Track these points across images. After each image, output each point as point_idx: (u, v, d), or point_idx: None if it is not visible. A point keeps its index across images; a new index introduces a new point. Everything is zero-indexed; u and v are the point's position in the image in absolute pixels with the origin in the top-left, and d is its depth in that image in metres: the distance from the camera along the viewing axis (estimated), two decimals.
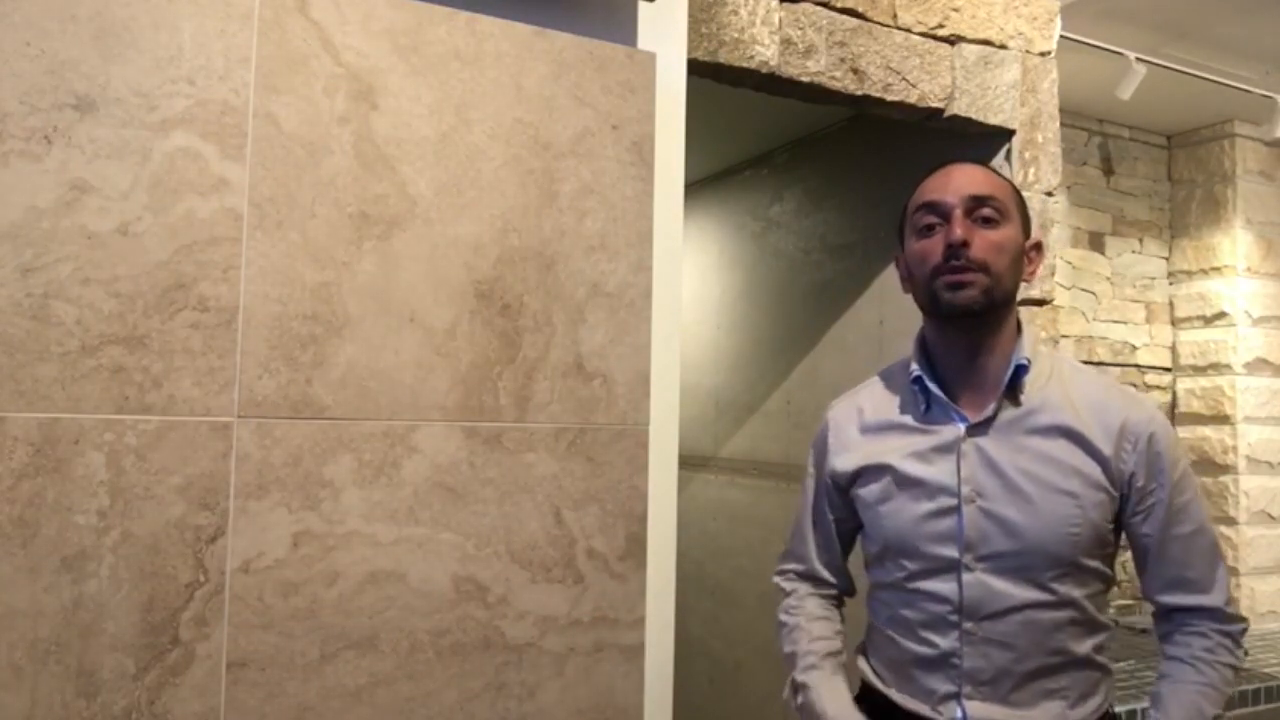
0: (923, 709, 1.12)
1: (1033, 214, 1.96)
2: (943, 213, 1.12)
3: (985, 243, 1.10)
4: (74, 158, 1.07)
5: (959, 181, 1.13)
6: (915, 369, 1.16)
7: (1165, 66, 2.58)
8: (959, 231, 1.09)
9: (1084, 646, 1.09)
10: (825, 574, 1.28)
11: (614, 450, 1.36)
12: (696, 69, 1.63)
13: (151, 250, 1.11)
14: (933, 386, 1.15)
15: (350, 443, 1.19)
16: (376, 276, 1.22)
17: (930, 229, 1.13)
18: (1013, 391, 1.12)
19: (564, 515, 1.32)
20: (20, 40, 1.06)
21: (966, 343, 1.14)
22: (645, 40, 1.46)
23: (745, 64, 1.68)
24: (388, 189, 1.23)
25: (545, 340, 1.32)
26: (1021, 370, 1.11)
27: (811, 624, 1.24)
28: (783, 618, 1.28)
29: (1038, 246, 1.17)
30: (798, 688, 1.21)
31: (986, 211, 1.11)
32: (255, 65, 1.17)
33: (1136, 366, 3.29)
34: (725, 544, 2.98)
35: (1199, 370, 3.28)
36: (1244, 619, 1.13)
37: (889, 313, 2.37)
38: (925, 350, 1.19)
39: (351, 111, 1.22)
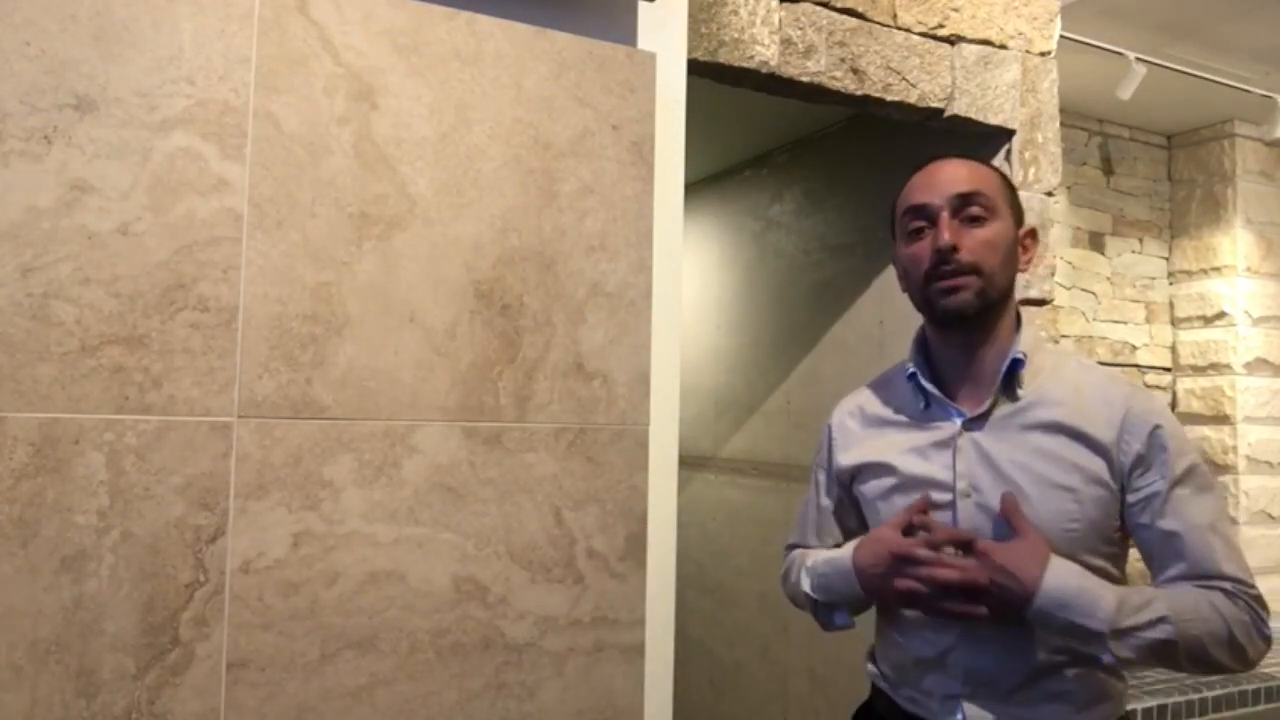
0: (924, 712, 1.12)
1: (1033, 214, 1.97)
2: (929, 215, 1.11)
3: (974, 243, 1.08)
4: (74, 158, 1.07)
5: (943, 180, 1.11)
6: (910, 366, 1.16)
7: (1165, 66, 2.58)
8: (946, 236, 1.07)
9: None
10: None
11: (614, 450, 1.36)
12: (696, 69, 1.63)
13: (151, 250, 1.11)
14: (927, 384, 1.14)
15: (350, 443, 1.19)
16: (376, 276, 1.22)
17: (919, 233, 1.12)
18: (1009, 386, 1.10)
19: (564, 515, 1.32)
20: (20, 40, 1.06)
21: (963, 341, 1.13)
22: (645, 40, 1.46)
23: (745, 64, 1.68)
24: (388, 189, 1.23)
25: (545, 340, 1.32)
26: (1017, 364, 1.10)
27: (804, 553, 1.28)
28: (783, 574, 1.32)
29: (1032, 234, 1.15)
30: (800, 574, 1.23)
31: (974, 210, 1.09)
32: (255, 65, 1.16)
33: (1136, 366, 3.29)
34: (725, 544, 2.98)
35: (1199, 370, 3.29)
36: (1265, 605, 1.04)
37: (889, 313, 2.37)
38: (924, 348, 1.18)
39: (351, 111, 1.22)
